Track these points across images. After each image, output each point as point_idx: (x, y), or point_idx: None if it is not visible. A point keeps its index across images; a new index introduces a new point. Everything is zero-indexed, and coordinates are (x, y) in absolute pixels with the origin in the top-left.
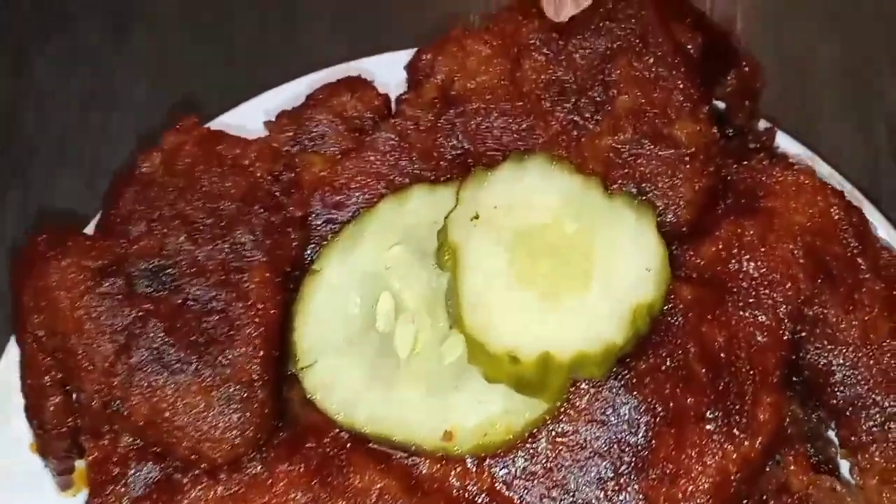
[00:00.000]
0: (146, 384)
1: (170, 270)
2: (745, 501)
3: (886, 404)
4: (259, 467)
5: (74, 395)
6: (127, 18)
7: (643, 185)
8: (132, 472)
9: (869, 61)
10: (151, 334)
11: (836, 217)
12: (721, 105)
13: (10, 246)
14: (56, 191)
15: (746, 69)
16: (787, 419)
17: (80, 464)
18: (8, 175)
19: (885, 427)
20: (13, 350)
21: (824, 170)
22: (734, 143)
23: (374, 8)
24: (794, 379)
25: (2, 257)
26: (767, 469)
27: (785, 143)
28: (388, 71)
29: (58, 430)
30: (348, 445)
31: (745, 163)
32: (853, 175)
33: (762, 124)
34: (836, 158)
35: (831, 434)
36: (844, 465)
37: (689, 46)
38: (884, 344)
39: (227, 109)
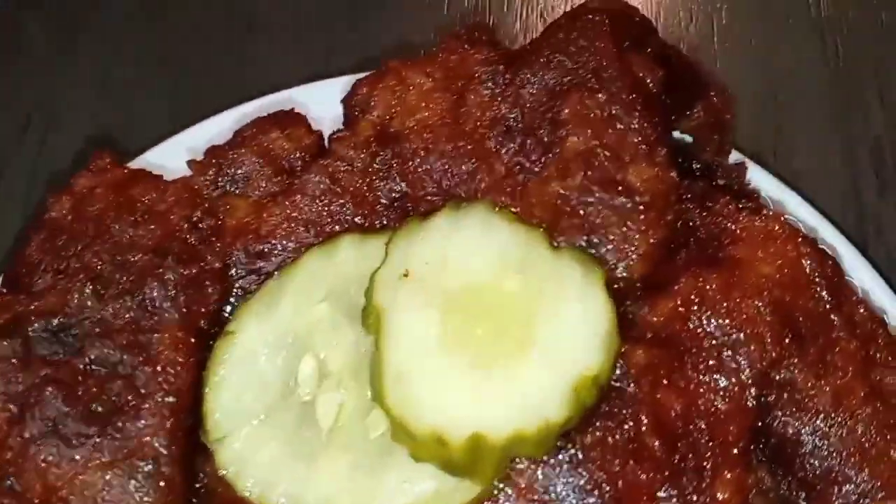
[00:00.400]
0: (41, 458)
1: (73, 330)
2: None
3: (860, 479)
4: None
5: None
6: (74, 32)
7: (593, 237)
8: None
9: (856, 85)
10: (48, 403)
11: (808, 268)
12: (688, 139)
13: None
14: None
15: (716, 100)
16: (753, 490)
17: None
18: None
19: None
20: None
21: (799, 209)
22: (699, 183)
23: (329, 31)
24: (761, 446)
25: None
26: None
27: (757, 177)
28: (325, 101)
29: None
30: None
31: (710, 206)
32: (834, 212)
33: (734, 157)
34: (813, 193)
35: None
36: None
37: (649, 80)
38: (858, 412)
39: (162, 139)
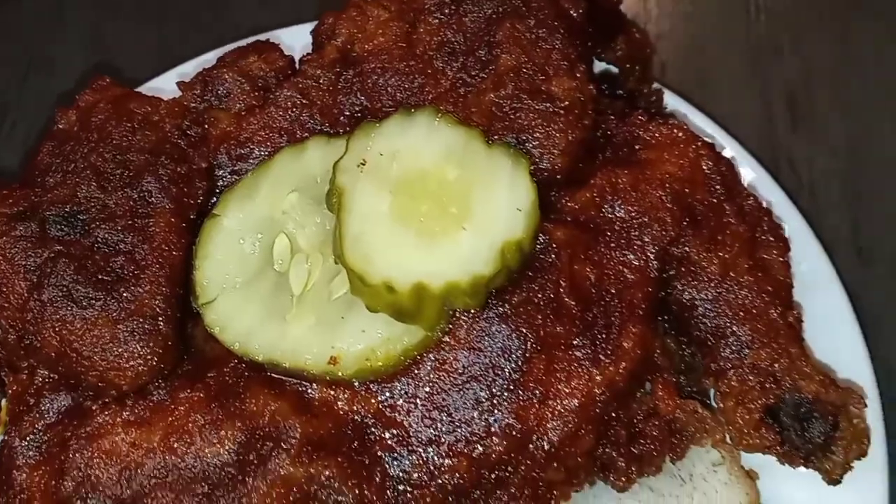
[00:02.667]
0: (57, 318)
1: (81, 216)
2: (615, 425)
3: (741, 333)
4: (163, 394)
5: None
6: None
7: (521, 135)
8: (47, 401)
9: (772, 38)
10: (62, 273)
11: (705, 166)
12: (615, 70)
13: None
14: None
15: (636, 35)
16: (659, 352)
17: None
18: None
19: (740, 354)
20: None
21: (719, 134)
22: (619, 103)
23: None
24: (667, 320)
25: None
26: (638, 395)
27: (683, 108)
28: (297, 39)
29: None
30: (246, 375)
31: (627, 119)
32: (752, 142)
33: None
34: (735, 126)
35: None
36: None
37: (573, 11)
38: (742, 280)
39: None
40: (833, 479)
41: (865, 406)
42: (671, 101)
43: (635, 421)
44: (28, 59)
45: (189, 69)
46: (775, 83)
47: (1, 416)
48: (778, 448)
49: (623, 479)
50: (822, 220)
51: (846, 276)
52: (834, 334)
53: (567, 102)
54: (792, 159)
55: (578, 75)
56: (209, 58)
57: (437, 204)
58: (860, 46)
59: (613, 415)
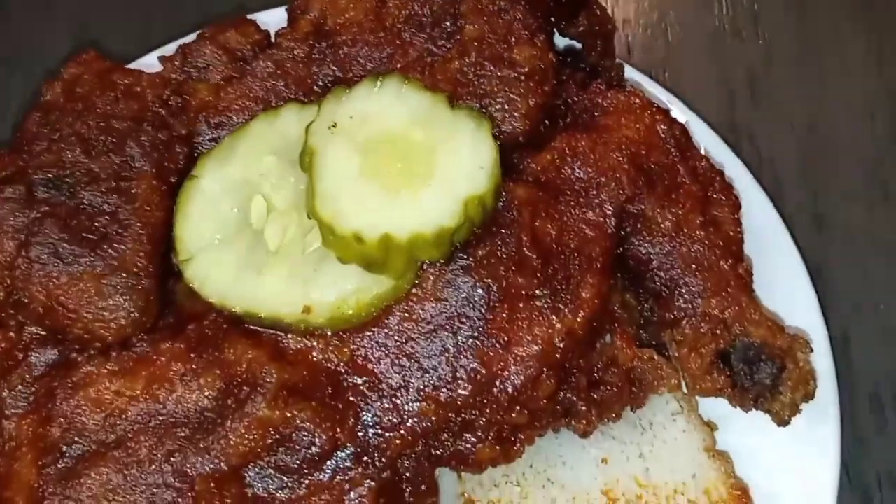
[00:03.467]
0: (44, 274)
1: (67, 179)
2: (576, 372)
3: (693, 284)
4: (145, 346)
5: None
6: None
7: (485, 100)
8: (34, 356)
9: (733, 21)
10: (49, 232)
11: (660, 131)
12: (578, 45)
13: None
14: None
15: (598, 11)
16: (618, 305)
17: None
18: None
19: (693, 303)
20: None
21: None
22: (580, 75)
23: None
24: (626, 277)
25: None
26: (598, 346)
27: (647, 85)
28: (273, 19)
29: None
30: (224, 327)
31: (587, 88)
32: (713, 119)
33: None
34: (698, 105)
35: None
36: None
37: None
38: (694, 235)
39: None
40: (782, 421)
41: (811, 350)
42: (638, 79)
43: (595, 369)
44: (16, 45)
45: (170, 50)
46: (736, 64)
47: None
48: (729, 390)
49: (584, 422)
50: (782, 191)
51: (804, 245)
52: (788, 291)
53: (528, 69)
54: (752, 135)
55: (539, 44)
56: (188, 41)
57: (404, 163)
58: (818, 26)
59: (574, 363)
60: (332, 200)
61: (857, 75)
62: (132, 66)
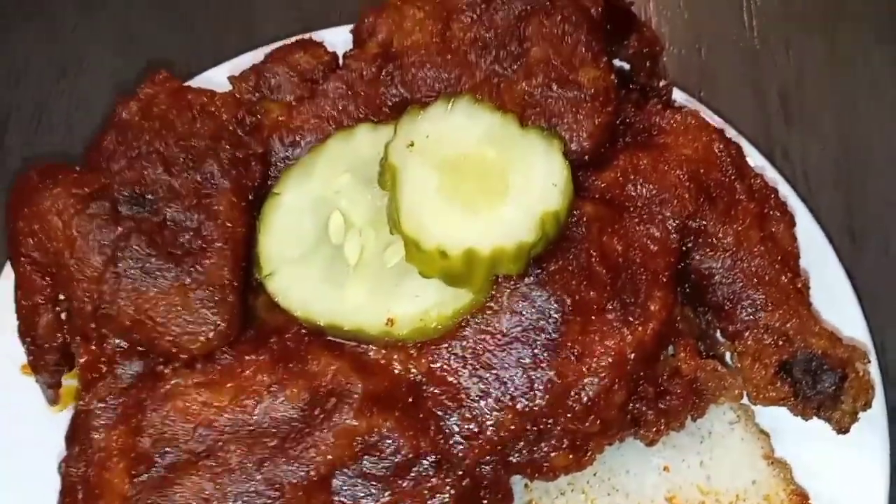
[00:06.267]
0: (132, 288)
1: (149, 196)
2: (643, 383)
3: (755, 297)
4: (230, 359)
5: (64, 313)
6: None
7: (552, 120)
8: (119, 368)
9: (765, 38)
10: (135, 247)
11: (717, 149)
12: (627, 66)
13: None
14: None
15: (647, 33)
16: (679, 318)
17: (66, 382)
18: None
19: (755, 316)
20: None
21: (717, 119)
22: (634, 94)
23: None
24: (686, 289)
25: None
26: (662, 358)
27: (685, 100)
28: (336, 38)
29: (49, 345)
30: (306, 339)
31: (643, 108)
32: (748, 135)
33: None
34: (733, 121)
35: (718, 335)
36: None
37: (593, 9)
38: (754, 249)
39: (192, 75)
40: (842, 429)
41: (869, 361)
42: (679, 97)
43: (661, 380)
44: (63, 61)
45: (228, 69)
46: (768, 83)
47: (61, 392)
48: (792, 399)
49: (652, 430)
50: (817, 205)
51: (841, 257)
52: (833, 302)
53: (593, 90)
54: (787, 150)
55: (602, 65)
56: (242, 61)
57: (480, 181)
58: (847, 48)
59: (642, 374)
60: (416, 216)
61: (886, 89)
62: (192, 81)
